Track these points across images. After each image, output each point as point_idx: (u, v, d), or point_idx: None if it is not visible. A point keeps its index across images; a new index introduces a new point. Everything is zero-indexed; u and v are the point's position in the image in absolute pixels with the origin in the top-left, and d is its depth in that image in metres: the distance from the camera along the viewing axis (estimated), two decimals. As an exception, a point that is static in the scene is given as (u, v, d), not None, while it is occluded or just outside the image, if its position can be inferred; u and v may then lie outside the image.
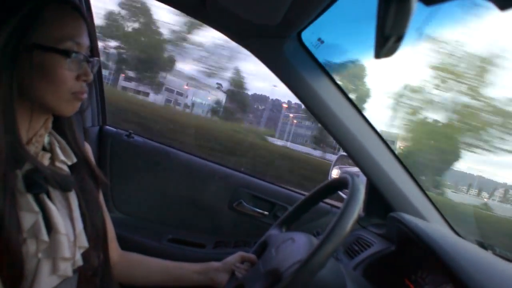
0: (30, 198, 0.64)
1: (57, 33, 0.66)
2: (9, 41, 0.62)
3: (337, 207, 1.64)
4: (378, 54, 0.45)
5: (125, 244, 1.05)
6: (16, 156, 0.64)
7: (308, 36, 1.09)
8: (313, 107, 1.17)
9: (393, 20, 0.36)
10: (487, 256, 0.89)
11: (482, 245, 1.17)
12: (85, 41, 0.71)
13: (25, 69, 0.64)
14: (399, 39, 0.41)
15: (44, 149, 0.74)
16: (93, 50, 0.75)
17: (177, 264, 1.02)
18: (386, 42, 0.41)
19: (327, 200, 1.54)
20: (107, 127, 1.75)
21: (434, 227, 1.08)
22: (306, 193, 1.09)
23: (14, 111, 0.64)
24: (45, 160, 0.72)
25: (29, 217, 0.63)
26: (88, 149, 0.96)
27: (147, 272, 0.99)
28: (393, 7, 0.35)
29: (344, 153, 1.44)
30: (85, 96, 0.72)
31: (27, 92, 0.66)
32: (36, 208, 0.64)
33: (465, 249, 0.88)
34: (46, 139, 0.75)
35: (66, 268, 0.68)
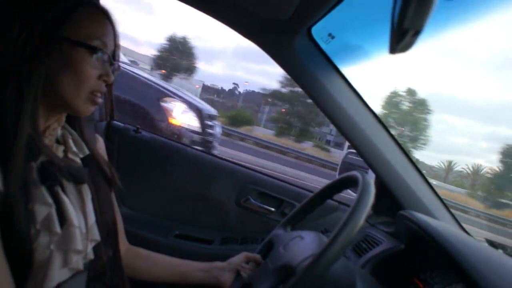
0: (44, 190, 0.65)
1: (86, 31, 0.70)
2: (43, 35, 0.65)
3: (345, 204, 1.63)
4: (394, 49, 0.44)
5: (132, 239, 1.05)
6: (33, 148, 0.64)
7: (319, 31, 1.08)
8: (322, 103, 1.16)
9: (413, 14, 0.35)
10: (498, 255, 0.88)
11: (492, 244, 1.16)
12: (111, 43, 0.75)
13: (54, 62, 0.67)
14: (416, 33, 0.40)
15: (57, 141, 0.76)
16: (115, 56, 0.78)
17: (182, 261, 1.02)
18: (403, 37, 0.40)
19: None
20: (115, 122, 1.75)
21: (445, 225, 1.07)
22: (315, 190, 1.08)
23: (38, 104, 0.66)
24: (59, 152, 0.74)
25: (43, 209, 0.64)
26: (101, 144, 0.96)
27: (152, 267, 1.00)
28: (414, 0, 0.34)
29: (353, 150, 1.44)
30: (100, 100, 0.75)
31: (50, 86, 0.68)
32: (49, 200, 0.65)
33: (476, 248, 0.87)
34: (59, 132, 0.76)
35: (78, 261, 0.69)
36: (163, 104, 3.96)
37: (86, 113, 0.75)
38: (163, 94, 4.03)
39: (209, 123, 4.40)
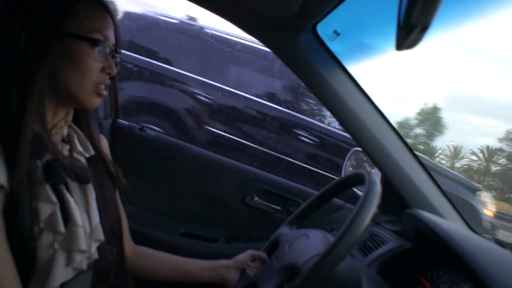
0: (48, 188, 0.65)
1: (87, 24, 0.70)
2: (45, 30, 0.65)
3: (351, 203, 1.62)
4: (400, 45, 0.44)
5: (138, 238, 1.05)
6: (39, 146, 0.65)
7: (324, 28, 1.07)
8: (328, 101, 1.15)
9: (420, 9, 0.34)
10: (506, 254, 0.87)
11: (500, 243, 1.15)
12: (112, 37, 0.76)
13: (56, 56, 0.67)
14: (423, 29, 0.39)
15: (63, 140, 0.76)
16: (117, 48, 0.79)
17: (187, 259, 1.02)
18: (410, 33, 0.39)
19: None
20: (120, 120, 1.76)
21: (452, 224, 1.06)
22: (320, 189, 1.08)
23: (45, 101, 0.67)
24: (65, 151, 0.74)
25: (47, 208, 0.64)
26: (105, 142, 0.96)
27: (158, 266, 1.00)
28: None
29: (358, 148, 1.43)
30: (105, 92, 0.76)
31: (55, 81, 0.69)
32: (54, 198, 0.65)
33: (484, 247, 0.86)
34: (65, 131, 0.77)
35: (81, 261, 0.69)
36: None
37: (92, 106, 0.75)
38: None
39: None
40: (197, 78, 3.31)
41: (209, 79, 3.30)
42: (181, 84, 3.32)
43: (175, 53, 3.45)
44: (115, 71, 0.77)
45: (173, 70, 3.31)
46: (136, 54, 3.25)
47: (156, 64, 3.30)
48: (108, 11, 0.75)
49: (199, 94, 3.31)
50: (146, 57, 3.28)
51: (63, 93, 0.71)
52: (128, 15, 3.39)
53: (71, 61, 0.69)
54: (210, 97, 3.31)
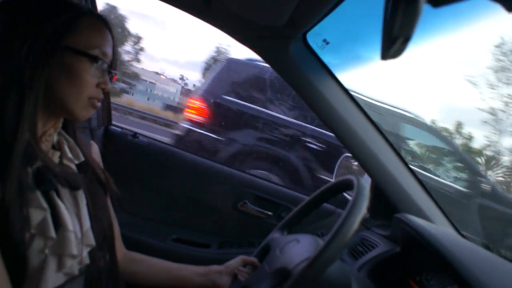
0: (39, 194, 0.65)
1: (87, 40, 0.72)
2: (46, 43, 0.67)
3: (341, 208, 1.64)
4: (385, 56, 0.45)
5: (130, 244, 1.05)
6: (29, 153, 0.65)
7: (314, 37, 1.09)
8: (318, 108, 1.17)
9: (401, 21, 0.36)
10: (493, 258, 0.89)
11: (487, 247, 1.17)
12: (110, 52, 0.77)
13: (55, 69, 0.69)
14: (406, 40, 0.41)
15: (53, 147, 0.77)
16: (113, 64, 0.80)
17: (179, 265, 1.02)
18: (393, 44, 0.41)
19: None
20: (112, 127, 1.76)
21: (440, 228, 1.08)
22: (310, 194, 1.09)
23: (38, 110, 0.68)
24: (55, 158, 0.74)
25: (38, 214, 0.64)
26: (96, 149, 0.97)
27: (149, 272, 1.00)
28: (401, 8, 0.35)
29: (348, 154, 1.45)
30: (99, 105, 0.77)
31: (50, 92, 0.70)
32: (44, 204, 0.65)
33: (471, 251, 0.88)
34: (55, 138, 0.77)
35: (72, 266, 0.69)
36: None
37: (84, 118, 0.76)
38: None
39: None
40: (311, 127, 3.44)
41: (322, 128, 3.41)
42: (294, 132, 3.45)
43: (285, 101, 3.58)
44: (109, 87, 0.78)
45: (287, 119, 3.44)
46: (247, 102, 3.40)
47: (270, 113, 3.43)
48: (108, 27, 0.77)
49: (311, 142, 3.43)
50: (259, 106, 3.41)
51: (57, 104, 0.72)
52: (235, 62, 3.54)
53: (69, 74, 0.70)
54: (322, 145, 3.43)
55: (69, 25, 0.70)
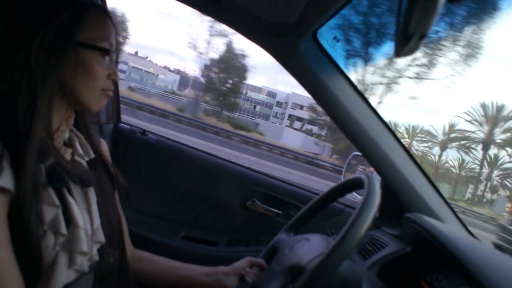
0: (51, 192, 0.66)
1: (96, 33, 0.73)
2: (56, 39, 0.67)
3: (351, 207, 1.63)
4: (399, 53, 0.45)
5: (138, 241, 1.05)
6: (43, 151, 0.65)
7: (324, 34, 1.08)
8: (328, 106, 1.16)
9: (418, 18, 0.35)
10: (505, 258, 0.88)
11: (499, 247, 1.15)
12: (114, 43, 0.78)
13: (69, 65, 0.70)
14: (421, 37, 0.40)
15: (65, 144, 0.77)
16: (118, 55, 0.81)
17: (186, 265, 1.02)
18: (409, 40, 0.40)
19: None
20: (122, 124, 1.77)
21: (451, 228, 1.07)
22: (320, 192, 1.08)
23: (52, 107, 0.69)
24: (67, 155, 0.75)
25: (50, 211, 0.65)
26: (105, 146, 0.97)
27: (156, 270, 1.00)
28: (419, 5, 0.34)
29: (358, 153, 1.43)
30: (111, 94, 0.79)
31: (64, 87, 0.71)
32: (57, 202, 0.66)
33: (484, 252, 0.86)
34: (66, 135, 0.77)
35: (83, 263, 0.69)
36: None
37: (98, 109, 0.78)
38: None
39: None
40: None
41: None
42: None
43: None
44: (118, 77, 0.80)
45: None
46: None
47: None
48: (111, 19, 0.78)
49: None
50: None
51: (71, 98, 0.73)
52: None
53: (82, 68, 0.71)
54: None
55: (77, 20, 0.70)
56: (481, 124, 34.70)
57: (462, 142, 35.87)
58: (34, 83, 0.65)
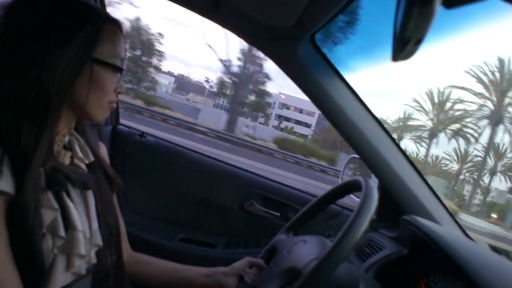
0: (50, 195, 0.66)
1: (111, 50, 0.73)
2: (75, 55, 0.67)
3: (348, 209, 1.64)
4: (396, 57, 0.45)
5: (137, 243, 1.06)
6: (44, 155, 0.66)
7: (322, 38, 1.09)
8: (326, 109, 1.17)
9: (414, 23, 0.36)
10: (502, 261, 0.89)
11: (495, 250, 1.16)
12: (124, 56, 0.79)
13: (82, 80, 0.70)
14: (418, 41, 0.41)
15: (64, 147, 0.77)
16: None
17: (185, 266, 1.03)
18: (405, 45, 0.41)
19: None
20: (120, 126, 1.77)
21: (448, 230, 1.08)
22: (318, 195, 1.09)
23: (60, 118, 0.69)
24: (66, 158, 0.75)
25: (49, 214, 0.65)
26: (104, 149, 0.98)
27: (155, 273, 1.00)
28: (415, 10, 0.35)
29: (355, 156, 1.44)
30: (115, 105, 0.80)
31: (74, 100, 0.71)
32: (56, 205, 0.66)
33: (480, 254, 0.87)
34: (66, 138, 0.78)
35: (80, 265, 0.69)
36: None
37: (102, 118, 0.79)
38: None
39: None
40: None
41: None
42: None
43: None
44: (124, 89, 0.81)
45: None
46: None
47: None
48: (122, 31, 0.78)
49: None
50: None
51: (77, 109, 0.73)
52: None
53: (95, 84, 0.71)
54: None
55: (97, 35, 0.70)
56: (427, 113, 34.51)
57: (413, 133, 35.69)
58: (46, 96, 0.64)
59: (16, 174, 0.60)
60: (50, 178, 0.67)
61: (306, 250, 0.84)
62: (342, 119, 1.15)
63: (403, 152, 1.19)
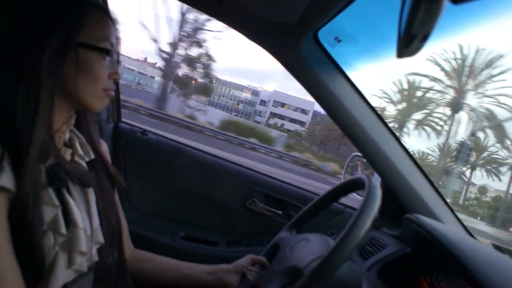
0: (51, 192, 0.66)
1: (97, 34, 0.73)
2: (59, 40, 0.67)
3: (351, 207, 1.63)
4: (401, 54, 0.45)
5: (139, 241, 1.05)
6: (44, 151, 0.65)
7: (325, 35, 1.08)
8: (328, 106, 1.16)
9: (421, 19, 0.35)
10: (505, 259, 0.88)
11: (498, 249, 1.15)
12: (115, 43, 0.78)
13: (71, 65, 0.69)
14: (424, 38, 0.40)
15: (65, 144, 0.77)
16: (118, 54, 0.81)
17: (187, 264, 1.03)
18: (411, 41, 0.40)
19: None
20: (122, 124, 1.77)
21: (451, 229, 1.07)
22: (320, 193, 1.09)
23: (53, 108, 0.68)
24: (67, 155, 0.75)
25: (50, 211, 0.65)
26: (105, 147, 0.97)
27: (157, 270, 1.00)
28: (423, 6, 0.34)
29: (358, 153, 1.44)
30: (113, 93, 0.79)
31: (65, 88, 0.70)
32: (57, 202, 0.66)
33: (483, 252, 0.87)
34: (67, 135, 0.77)
35: (82, 263, 0.69)
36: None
37: (101, 108, 0.78)
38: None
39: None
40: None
41: None
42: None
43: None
44: (119, 76, 0.79)
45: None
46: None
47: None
48: (112, 19, 0.78)
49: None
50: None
51: (72, 98, 0.73)
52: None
53: (83, 69, 0.71)
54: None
55: (80, 21, 0.70)
56: (395, 104, 33.52)
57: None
58: (36, 85, 0.64)
59: (16, 170, 0.60)
60: (51, 174, 0.66)
61: (308, 249, 0.84)
62: (345, 116, 1.15)
63: (406, 150, 1.19)
